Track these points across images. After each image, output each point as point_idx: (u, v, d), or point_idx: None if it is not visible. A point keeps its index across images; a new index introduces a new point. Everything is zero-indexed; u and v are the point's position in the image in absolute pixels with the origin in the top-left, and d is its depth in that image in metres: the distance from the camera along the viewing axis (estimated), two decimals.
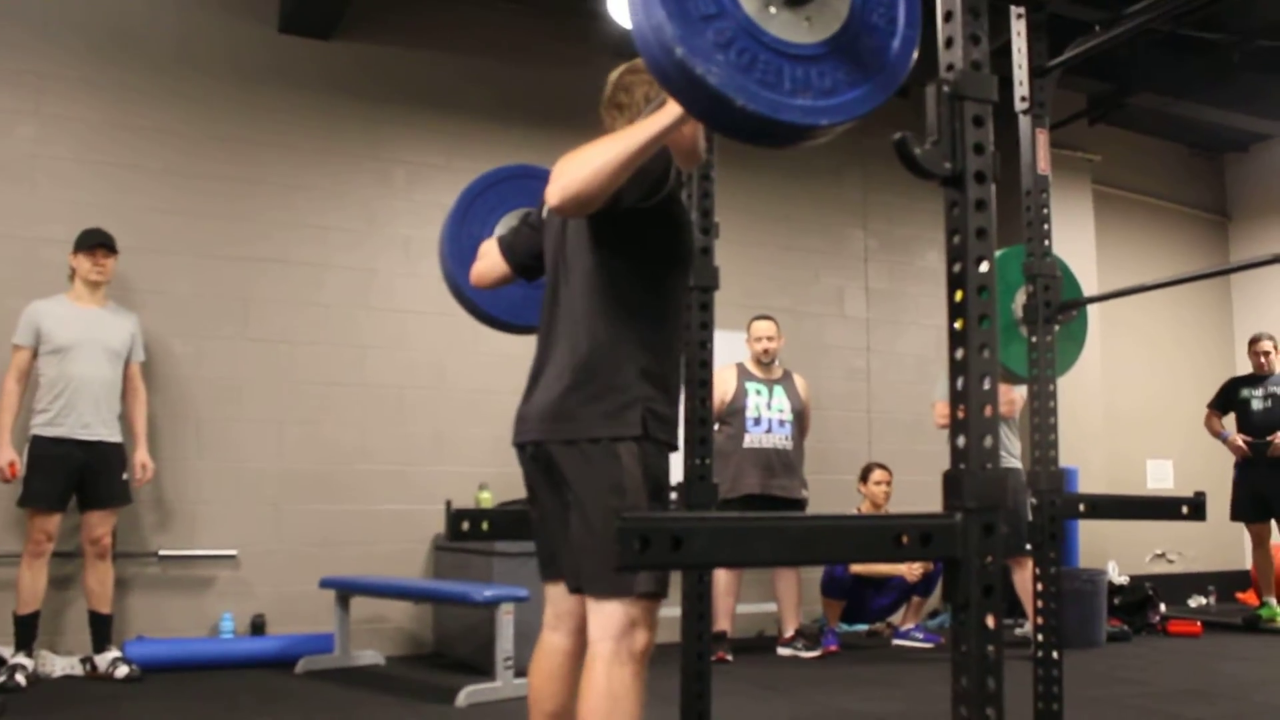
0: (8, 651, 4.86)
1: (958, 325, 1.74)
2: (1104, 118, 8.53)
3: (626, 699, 2.18)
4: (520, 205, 3.08)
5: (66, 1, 5.71)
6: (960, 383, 1.72)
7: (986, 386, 1.72)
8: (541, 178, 3.09)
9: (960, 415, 1.72)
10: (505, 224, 3.06)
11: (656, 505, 2.29)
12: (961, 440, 1.71)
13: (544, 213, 2.56)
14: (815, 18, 1.68)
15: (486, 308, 2.96)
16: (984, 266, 1.75)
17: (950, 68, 1.79)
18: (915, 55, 1.79)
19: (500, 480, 5.62)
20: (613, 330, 2.32)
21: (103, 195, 5.61)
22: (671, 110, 2.02)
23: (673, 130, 2.07)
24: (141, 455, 5.17)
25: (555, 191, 2.12)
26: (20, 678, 4.69)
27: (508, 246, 2.66)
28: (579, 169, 2.10)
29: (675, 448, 2.37)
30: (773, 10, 1.65)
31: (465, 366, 6.25)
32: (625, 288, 2.34)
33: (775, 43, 1.63)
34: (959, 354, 1.73)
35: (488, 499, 5.89)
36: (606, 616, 2.21)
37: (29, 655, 4.84)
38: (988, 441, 1.71)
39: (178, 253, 5.78)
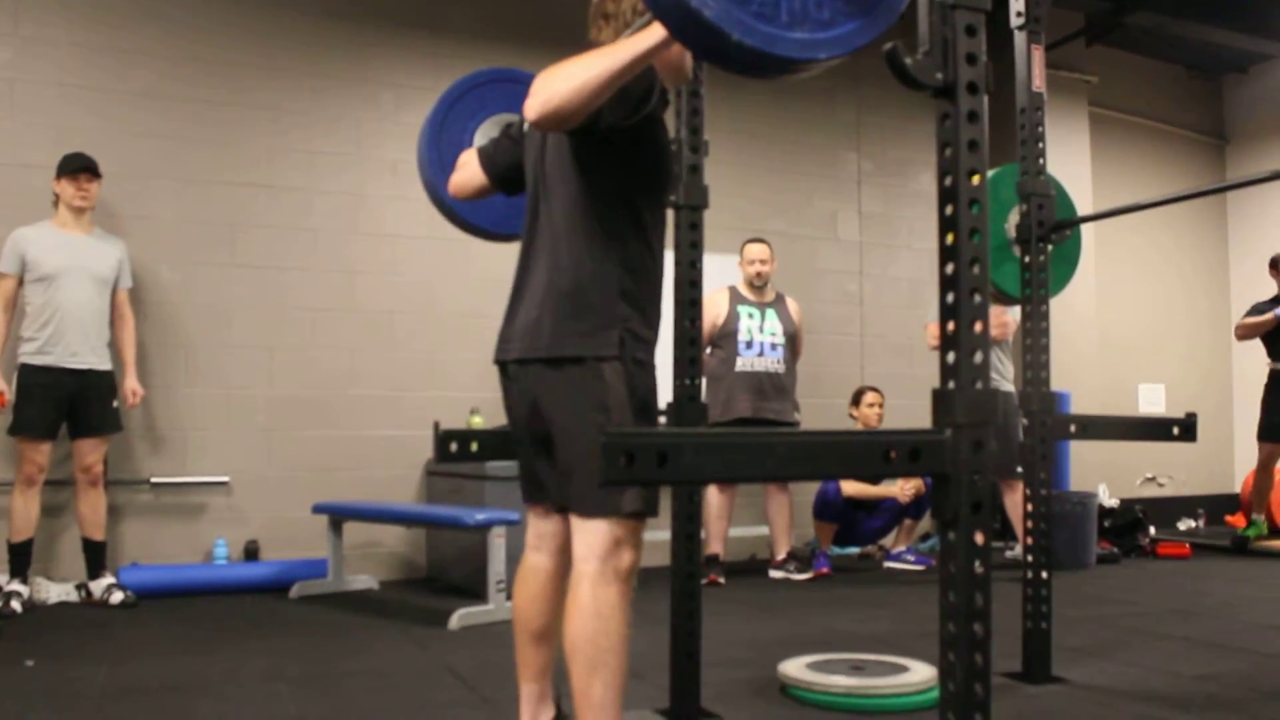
0: (3, 579, 4.89)
1: (949, 239, 1.72)
2: (1101, 38, 8.41)
3: (613, 618, 2.19)
4: (501, 110, 3.03)
5: None
6: (950, 298, 1.70)
7: (976, 302, 1.70)
8: (523, 81, 3.03)
9: (950, 330, 1.70)
10: (485, 130, 3.01)
11: (643, 423, 2.28)
12: (951, 356, 1.70)
13: (525, 126, 2.50)
14: None
15: (467, 216, 2.92)
16: (975, 179, 1.72)
17: None
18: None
19: (492, 405, 5.57)
20: (592, 250, 2.29)
21: (84, 119, 5.52)
22: (659, 30, 1.96)
23: (660, 51, 2.02)
24: (131, 382, 5.16)
25: (534, 106, 2.08)
26: (16, 604, 4.71)
27: (488, 158, 2.61)
28: (560, 84, 2.05)
29: (651, 371, 2.35)
30: None
31: (455, 290, 6.22)
32: (605, 208, 2.31)
33: None
34: (949, 269, 1.71)
35: (480, 423, 5.89)
36: (592, 535, 2.21)
37: (24, 582, 4.86)
38: (977, 358, 1.69)
39: (163, 178, 5.70)
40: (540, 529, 2.51)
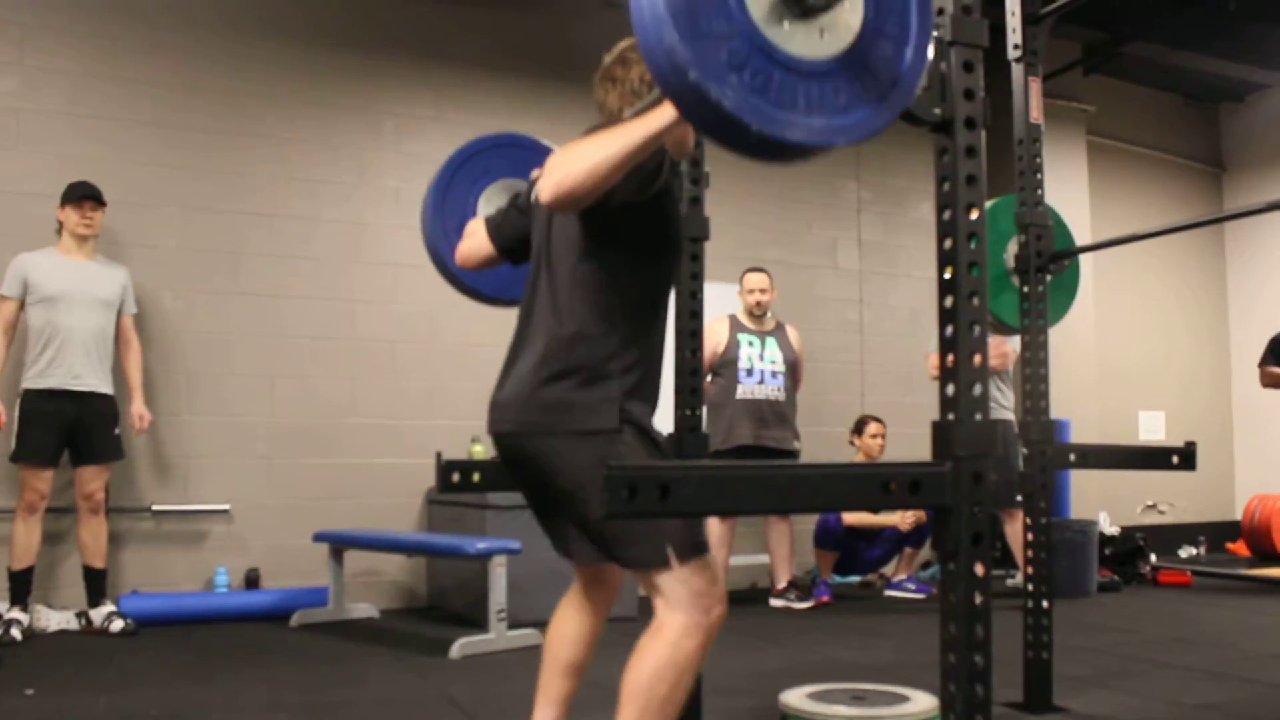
0: (3, 606, 4.88)
1: (947, 273, 1.73)
2: (1099, 67, 8.46)
3: (687, 672, 2.14)
4: (504, 175, 3.04)
5: None
6: (949, 330, 1.72)
7: (976, 334, 1.71)
8: (524, 146, 3.08)
9: (949, 363, 1.71)
10: (489, 196, 3.02)
11: None
12: (951, 389, 1.71)
13: (532, 195, 2.49)
14: (828, 30, 1.61)
15: (470, 282, 2.92)
16: (974, 213, 1.74)
17: (940, 12, 1.77)
18: (927, 63, 1.73)
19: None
20: (594, 322, 2.26)
21: (89, 148, 5.56)
22: (669, 110, 1.94)
23: (673, 129, 2.01)
24: (138, 406, 5.17)
25: (548, 187, 2.07)
26: (15, 632, 4.70)
27: (495, 228, 2.60)
28: (573, 166, 2.04)
29: (656, 442, 2.30)
30: (786, 25, 1.58)
31: (456, 320, 6.23)
32: (609, 279, 2.28)
33: (789, 60, 1.57)
34: (948, 301, 1.72)
35: (480, 452, 5.90)
36: (669, 588, 2.16)
37: (24, 610, 4.86)
38: (977, 390, 1.71)
39: (166, 206, 5.74)
40: (579, 570, 2.54)
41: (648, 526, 2.15)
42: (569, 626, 2.55)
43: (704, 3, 1.51)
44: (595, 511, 2.19)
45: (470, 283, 2.92)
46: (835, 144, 1.61)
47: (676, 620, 2.14)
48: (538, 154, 3.07)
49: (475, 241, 2.64)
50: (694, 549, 2.18)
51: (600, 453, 2.16)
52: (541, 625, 4.72)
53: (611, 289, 2.28)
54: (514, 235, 2.55)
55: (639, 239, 2.32)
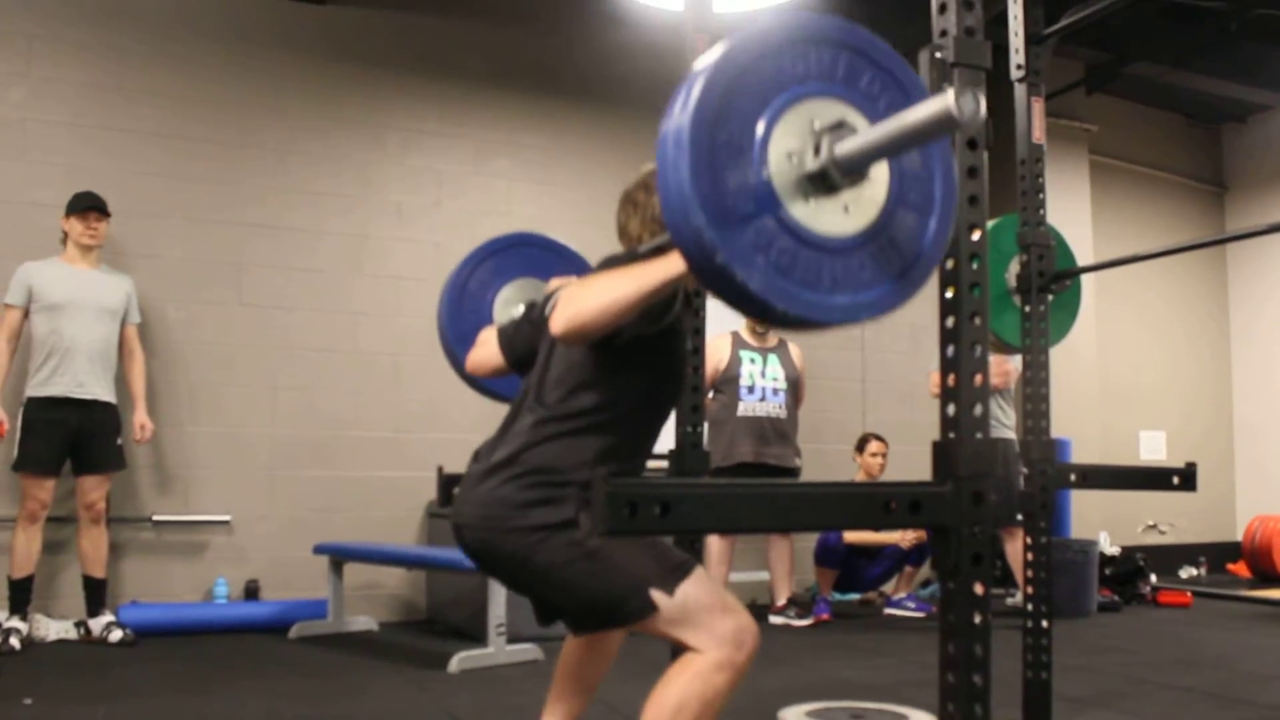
0: (2, 615, 4.88)
1: (949, 292, 1.74)
2: (1101, 87, 8.49)
3: (713, 705, 2.13)
4: (520, 275, 3.07)
5: None
6: (951, 350, 1.72)
7: (977, 354, 1.72)
8: (540, 245, 3.12)
9: (951, 383, 1.72)
10: (506, 296, 3.04)
11: (648, 549, 2.22)
12: (952, 409, 1.71)
13: (546, 308, 2.49)
14: (853, 206, 1.61)
15: (485, 383, 2.93)
16: (976, 234, 1.74)
17: (944, 33, 1.78)
18: (952, 232, 1.72)
19: None
20: (579, 439, 2.26)
21: (94, 159, 5.58)
22: None
23: (688, 276, 2.02)
24: (140, 416, 5.17)
25: (561, 321, 2.07)
26: (14, 641, 4.70)
27: (507, 341, 2.61)
28: (587, 304, 2.05)
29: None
30: (811, 203, 1.58)
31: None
32: (606, 403, 2.28)
33: (815, 239, 1.57)
34: (950, 321, 1.73)
35: None
36: (682, 634, 2.15)
37: (23, 619, 4.86)
38: (978, 410, 1.71)
39: (170, 217, 5.75)
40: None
41: (615, 582, 2.15)
42: (583, 644, 2.55)
43: (731, 184, 1.51)
44: (562, 599, 2.23)
45: (487, 385, 2.92)
46: (859, 320, 1.62)
47: (709, 655, 2.13)
48: (554, 254, 3.13)
49: (487, 351, 2.67)
50: (675, 571, 2.17)
51: (555, 544, 2.16)
52: (541, 640, 4.73)
53: (605, 411, 2.28)
54: (526, 349, 2.55)
55: (642, 371, 2.33)
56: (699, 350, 2.89)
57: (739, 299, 1.54)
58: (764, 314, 1.55)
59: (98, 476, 5.02)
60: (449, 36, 6.54)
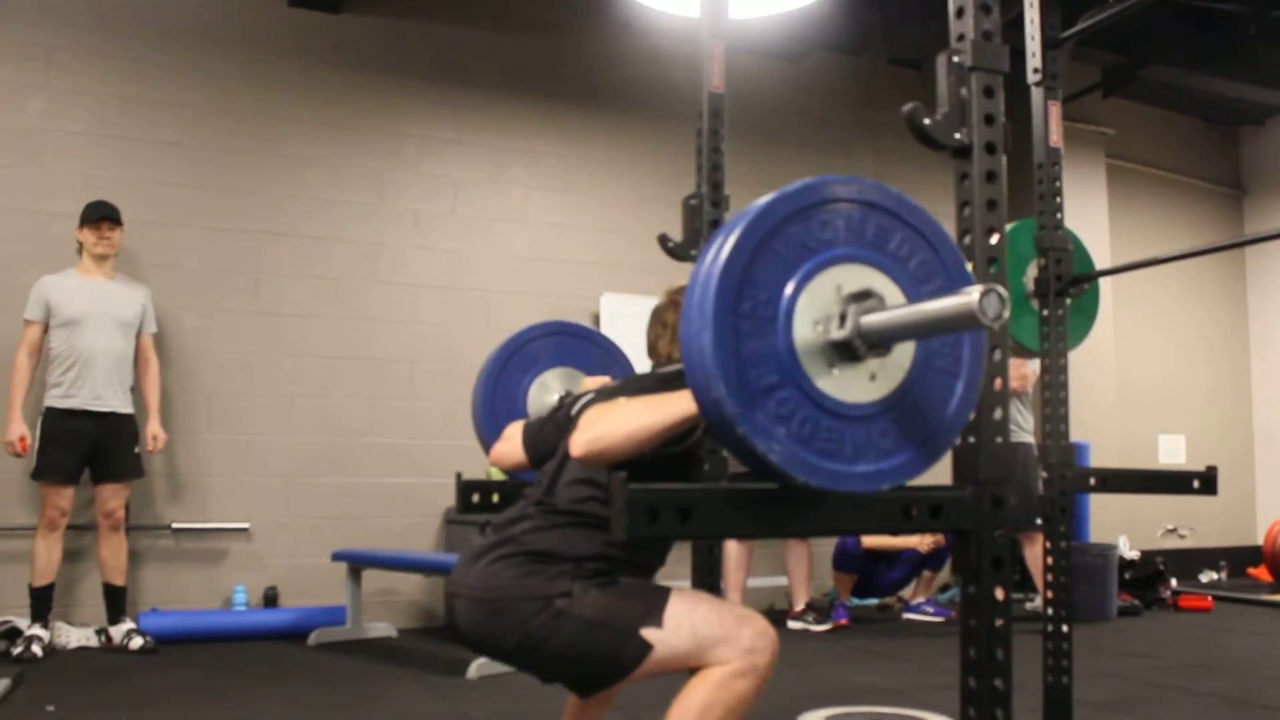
0: (24, 623, 4.91)
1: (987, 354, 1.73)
2: (1118, 91, 8.45)
3: (736, 711, 2.12)
4: (554, 365, 3.08)
5: None
6: None
7: (996, 359, 1.71)
8: (574, 334, 3.13)
9: None
10: (543, 383, 3.06)
11: (626, 594, 2.22)
12: (971, 413, 1.71)
13: (573, 411, 2.50)
14: (880, 373, 1.60)
15: (510, 472, 2.95)
16: (994, 238, 1.74)
17: (961, 38, 1.78)
18: (978, 398, 1.70)
19: None
20: (583, 528, 2.27)
21: (113, 168, 5.62)
22: None
23: None
24: (153, 426, 5.20)
25: (582, 444, 2.08)
26: (36, 649, 4.73)
27: (530, 440, 2.63)
28: (611, 429, 2.07)
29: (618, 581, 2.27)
30: (835, 371, 1.57)
31: (475, 340, 6.24)
32: (610, 508, 2.28)
33: (837, 407, 1.56)
34: None
35: (498, 473, 5.89)
36: (702, 659, 2.14)
37: (45, 627, 4.88)
38: (997, 414, 1.71)
39: (188, 226, 5.78)
40: None
41: (604, 637, 2.14)
42: None
43: (753, 354, 1.51)
44: (560, 668, 2.23)
45: (509, 472, 2.94)
46: (879, 489, 1.60)
47: (732, 664, 2.12)
48: (588, 341, 3.15)
49: (510, 446, 2.69)
50: (654, 604, 2.16)
51: (544, 618, 2.16)
52: None
53: (605, 521, 2.24)
54: (547, 450, 2.55)
55: (657, 474, 2.31)
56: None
57: (759, 468, 1.53)
58: (783, 481, 1.55)
59: (116, 485, 5.05)
60: (465, 45, 6.56)
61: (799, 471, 1.52)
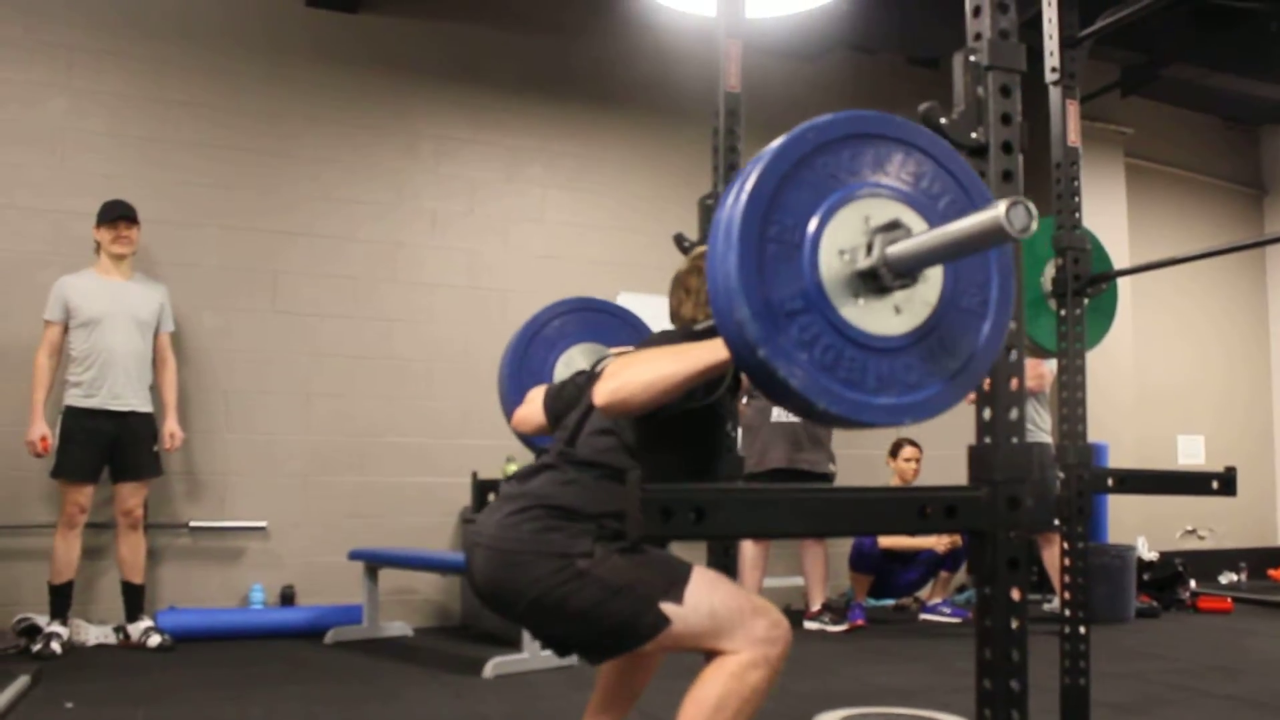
0: (43, 620, 4.94)
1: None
2: (1137, 89, 8.41)
3: (751, 702, 2.12)
4: (583, 340, 3.10)
5: None
6: None
7: (1013, 359, 1.71)
8: (604, 310, 3.15)
9: (986, 388, 1.71)
10: (568, 359, 3.08)
11: (649, 565, 2.20)
12: (987, 413, 1.71)
13: (596, 369, 2.50)
14: (905, 307, 1.59)
15: (530, 439, 2.94)
16: None
17: (978, 37, 1.77)
18: (1005, 340, 1.69)
19: (527, 455, 5.63)
20: (605, 481, 2.25)
21: (132, 167, 5.65)
22: None
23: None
24: (170, 424, 5.22)
25: (605, 393, 2.08)
26: (55, 645, 4.76)
27: (551, 402, 2.62)
28: (633, 378, 2.06)
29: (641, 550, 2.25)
30: (861, 302, 1.56)
31: (492, 340, 6.20)
32: (637, 457, 2.28)
33: (861, 337, 1.56)
34: (985, 326, 1.72)
35: (514, 468, 5.90)
36: (717, 644, 2.14)
37: (64, 624, 4.91)
38: (1014, 414, 1.70)
39: (207, 225, 5.81)
40: None
41: (624, 604, 2.12)
42: (617, 664, 2.55)
43: (778, 279, 1.51)
44: (575, 630, 2.20)
45: (533, 440, 2.93)
46: (902, 423, 1.60)
47: (744, 654, 2.12)
48: (616, 318, 3.16)
49: (531, 409, 2.70)
50: (677, 580, 2.15)
51: (565, 576, 2.14)
52: None
53: (621, 481, 2.26)
54: (567, 411, 2.55)
55: (676, 443, 2.32)
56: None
57: (780, 394, 1.53)
58: (805, 411, 1.54)
59: (135, 484, 5.07)
60: (481, 44, 6.57)
61: (819, 398, 1.51)
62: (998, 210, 1.42)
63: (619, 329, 3.16)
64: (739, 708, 2.09)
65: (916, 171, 1.64)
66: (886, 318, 1.58)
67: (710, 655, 2.16)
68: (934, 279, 1.62)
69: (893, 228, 1.58)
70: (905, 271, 1.57)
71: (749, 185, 1.51)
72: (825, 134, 1.57)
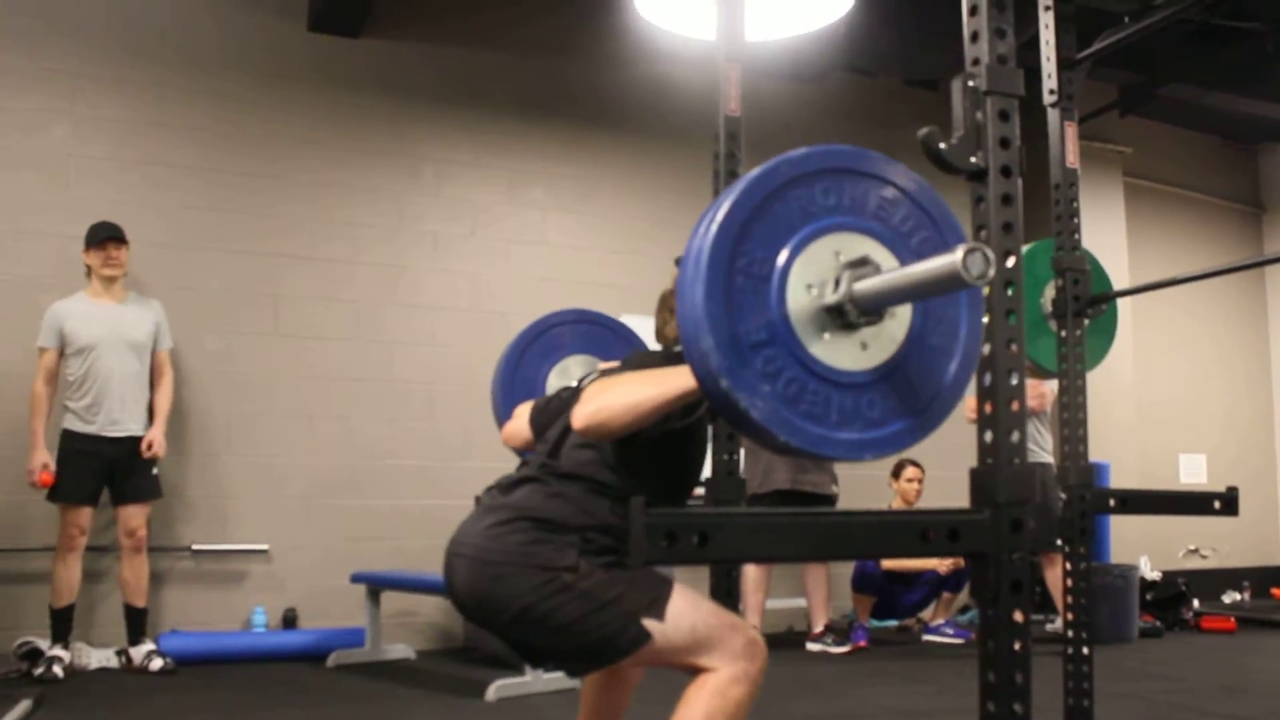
0: (45, 643, 4.93)
1: (985, 320, 1.74)
2: (1135, 109, 8.44)
3: (738, 717, 2.14)
4: (576, 352, 3.11)
5: (99, 0, 5.77)
6: (988, 378, 1.72)
7: (1014, 382, 1.71)
8: (597, 322, 3.15)
9: (988, 410, 1.72)
10: (562, 369, 3.09)
11: (633, 582, 2.21)
12: (989, 436, 1.71)
13: (581, 384, 2.51)
14: (871, 342, 1.61)
15: (521, 453, 2.96)
16: (1010, 261, 1.74)
17: (976, 62, 1.78)
18: (973, 377, 1.70)
19: None
20: (587, 495, 2.28)
21: (135, 192, 5.67)
22: None
23: None
24: (154, 433, 5.10)
25: (583, 417, 2.11)
26: (57, 669, 4.75)
27: (537, 416, 2.65)
28: (611, 402, 2.09)
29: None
30: (827, 336, 1.58)
31: (493, 362, 6.20)
32: (617, 479, 2.30)
33: (826, 371, 1.57)
34: (986, 349, 1.73)
35: None
36: (696, 659, 2.16)
37: (65, 647, 4.90)
38: (1015, 437, 1.70)
39: (208, 249, 5.82)
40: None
41: (607, 619, 2.14)
42: (603, 674, 2.55)
43: (745, 310, 1.52)
44: (556, 642, 2.22)
45: (524, 455, 2.95)
46: (864, 458, 1.61)
47: (724, 671, 2.14)
48: (611, 331, 3.17)
49: (518, 425, 2.73)
50: (659, 596, 2.16)
51: (548, 589, 2.15)
52: None
53: (610, 489, 2.28)
54: (550, 425, 2.56)
55: (655, 464, 2.34)
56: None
57: (741, 425, 1.55)
58: (765, 443, 1.55)
59: (136, 506, 5.06)
60: (482, 68, 6.60)
61: (780, 430, 1.52)
62: (955, 257, 1.43)
63: (616, 344, 3.16)
64: None
65: (890, 207, 1.65)
66: (852, 353, 1.59)
67: (692, 672, 2.18)
68: (903, 316, 1.63)
69: (862, 264, 1.59)
70: (871, 309, 1.58)
71: (719, 217, 1.53)
72: (799, 168, 1.59)
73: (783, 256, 1.56)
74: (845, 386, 1.59)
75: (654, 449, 2.30)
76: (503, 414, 3.03)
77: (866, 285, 1.57)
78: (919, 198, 1.67)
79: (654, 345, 2.74)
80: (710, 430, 2.60)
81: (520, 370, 3.08)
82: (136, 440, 5.06)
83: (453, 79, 6.53)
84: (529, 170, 6.66)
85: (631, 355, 2.54)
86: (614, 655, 2.19)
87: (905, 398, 1.63)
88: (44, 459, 4.92)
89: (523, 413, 2.73)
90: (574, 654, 2.25)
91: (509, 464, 6.31)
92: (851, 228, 1.61)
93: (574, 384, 2.65)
